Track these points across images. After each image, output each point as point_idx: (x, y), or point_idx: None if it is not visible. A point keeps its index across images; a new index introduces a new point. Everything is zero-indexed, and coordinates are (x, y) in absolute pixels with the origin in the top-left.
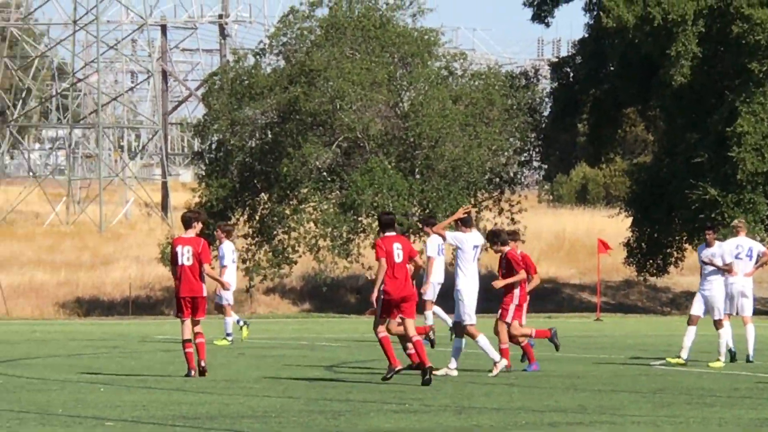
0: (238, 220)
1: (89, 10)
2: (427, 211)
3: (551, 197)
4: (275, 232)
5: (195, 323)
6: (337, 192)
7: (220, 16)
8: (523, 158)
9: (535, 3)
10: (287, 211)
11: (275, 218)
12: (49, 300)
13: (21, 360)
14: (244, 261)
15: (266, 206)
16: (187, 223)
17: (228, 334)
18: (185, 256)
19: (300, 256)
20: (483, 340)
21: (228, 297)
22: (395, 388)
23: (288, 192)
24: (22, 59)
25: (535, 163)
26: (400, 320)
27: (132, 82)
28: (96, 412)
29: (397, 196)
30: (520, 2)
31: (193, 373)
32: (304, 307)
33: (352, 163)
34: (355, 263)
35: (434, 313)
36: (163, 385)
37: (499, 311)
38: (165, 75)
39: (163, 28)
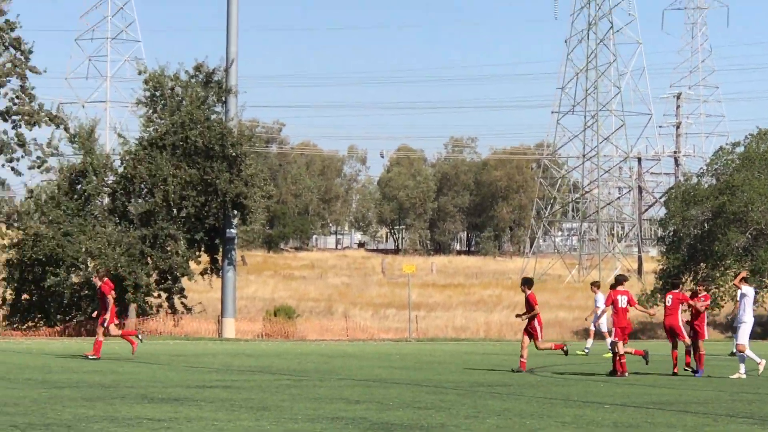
0: (686, 280)
1: (593, 148)
2: None
3: None
4: (711, 289)
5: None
6: (749, 262)
7: (675, 152)
8: None
9: None
10: (717, 274)
11: (709, 279)
12: (567, 330)
13: (540, 367)
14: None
15: (704, 272)
16: (620, 282)
17: (586, 348)
18: (622, 302)
19: (726, 302)
20: (750, 353)
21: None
22: (747, 383)
23: (718, 262)
24: (550, 179)
25: None
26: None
27: (619, 193)
28: (597, 399)
29: None
30: None
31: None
32: (727, 335)
33: (758, 244)
34: (760, 307)
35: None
36: (639, 382)
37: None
38: (640, 189)
39: (639, 160)
